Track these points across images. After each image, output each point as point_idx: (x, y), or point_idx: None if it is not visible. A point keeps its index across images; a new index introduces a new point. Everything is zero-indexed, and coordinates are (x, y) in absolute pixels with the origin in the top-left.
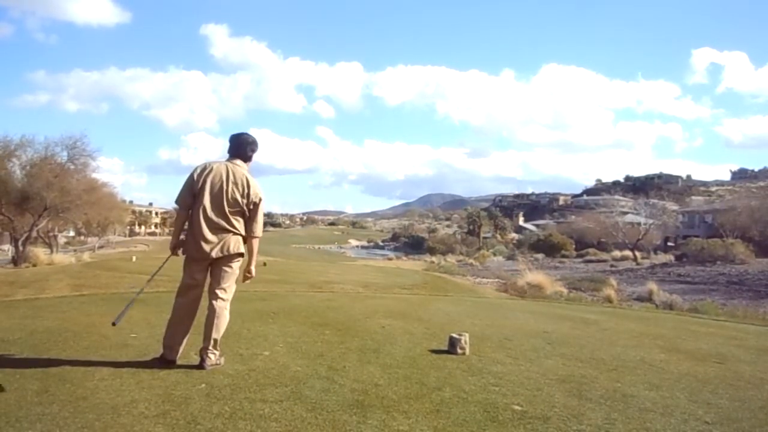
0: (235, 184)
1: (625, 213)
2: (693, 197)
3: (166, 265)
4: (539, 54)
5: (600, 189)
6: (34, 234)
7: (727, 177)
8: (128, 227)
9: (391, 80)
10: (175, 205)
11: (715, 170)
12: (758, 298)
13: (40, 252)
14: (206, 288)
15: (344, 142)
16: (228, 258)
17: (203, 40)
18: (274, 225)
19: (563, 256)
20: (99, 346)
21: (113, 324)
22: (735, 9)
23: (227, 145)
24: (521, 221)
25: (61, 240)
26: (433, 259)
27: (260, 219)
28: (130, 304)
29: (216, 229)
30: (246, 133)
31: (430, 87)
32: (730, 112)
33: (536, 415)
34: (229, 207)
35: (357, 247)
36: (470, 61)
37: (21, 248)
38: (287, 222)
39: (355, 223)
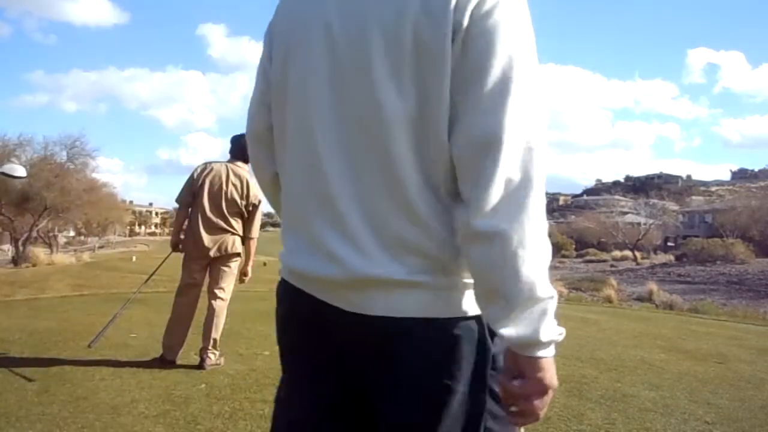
0: (235, 185)
1: (625, 213)
2: (693, 197)
3: (165, 265)
4: (536, 53)
5: (600, 189)
6: (34, 234)
7: (727, 177)
8: (128, 227)
9: None
10: (176, 204)
11: (715, 170)
12: (758, 298)
13: (40, 252)
14: (205, 288)
15: None
16: (226, 258)
17: (201, 40)
18: (274, 225)
19: (563, 256)
20: (99, 346)
21: (89, 346)
22: (730, 9)
23: (227, 145)
24: None
25: (61, 240)
26: None
27: (258, 221)
28: (110, 323)
29: (214, 228)
30: None
31: None
32: (728, 112)
33: None
34: (227, 207)
35: None
36: None
37: (21, 248)
38: None
39: None
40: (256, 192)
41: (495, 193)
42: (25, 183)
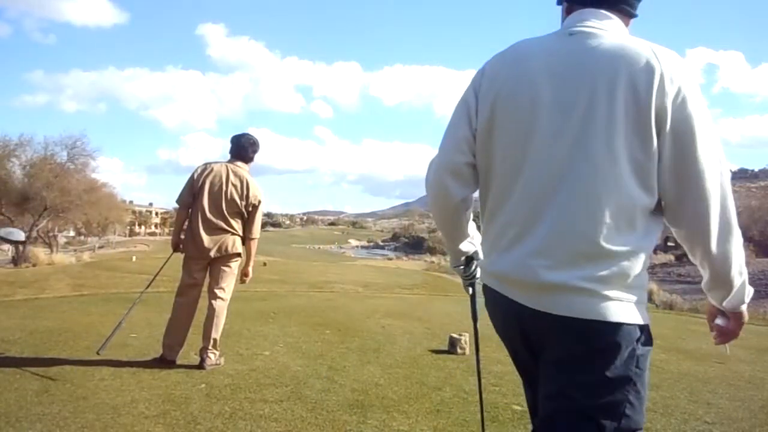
0: (235, 185)
1: None
2: None
3: (165, 265)
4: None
5: None
6: (34, 234)
7: None
8: (128, 227)
9: (388, 80)
10: (176, 205)
11: None
12: (758, 298)
13: (40, 252)
14: (205, 288)
15: (343, 141)
16: (226, 258)
17: (200, 40)
18: (274, 225)
19: None
20: (99, 346)
21: (97, 353)
22: (729, 9)
23: (227, 145)
24: None
25: (61, 240)
26: (434, 259)
27: (258, 221)
28: (117, 329)
29: (214, 229)
30: (247, 134)
31: (428, 87)
32: (727, 111)
33: None
34: (227, 207)
35: (357, 247)
36: (468, 61)
37: (21, 248)
38: (287, 222)
39: (355, 223)
40: (256, 192)
41: (714, 225)
42: (25, 183)
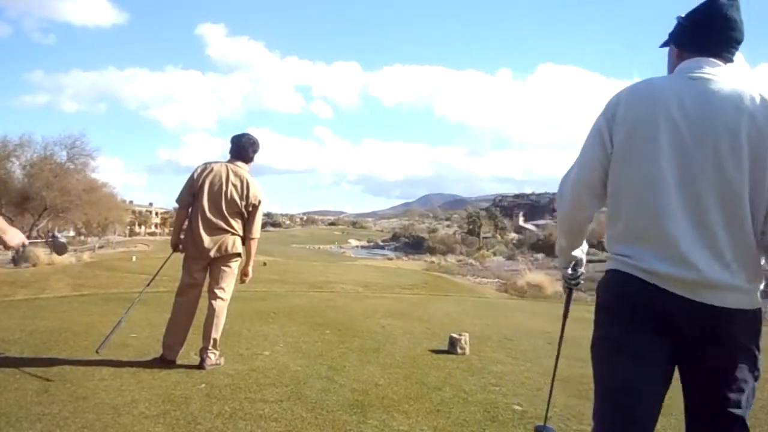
0: (235, 185)
1: None
2: None
3: (165, 265)
4: (535, 54)
5: None
6: (34, 234)
7: None
8: (128, 227)
9: (388, 80)
10: (176, 205)
11: None
12: None
13: (40, 252)
14: (205, 288)
15: (342, 141)
16: (226, 258)
17: (200, 40)
18: (274, 225)
19: None
20: (99, 345)
21: (96, 352)
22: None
23: (227, 145)
24: (521, 221)
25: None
26: (433, 259)
27: (258, 221)
28: (116, 328)
29: (214, 229)
30: (247, 134)
31: (428, 87)
32: None
33: (536, 415)
34: (227, 207)
35: (357, 247)
36: (467, 61)
37: (21, 248)
38: (287, 222)
39: (355, 223)
40: (256, 192)
41: None
42: (25, 183)
